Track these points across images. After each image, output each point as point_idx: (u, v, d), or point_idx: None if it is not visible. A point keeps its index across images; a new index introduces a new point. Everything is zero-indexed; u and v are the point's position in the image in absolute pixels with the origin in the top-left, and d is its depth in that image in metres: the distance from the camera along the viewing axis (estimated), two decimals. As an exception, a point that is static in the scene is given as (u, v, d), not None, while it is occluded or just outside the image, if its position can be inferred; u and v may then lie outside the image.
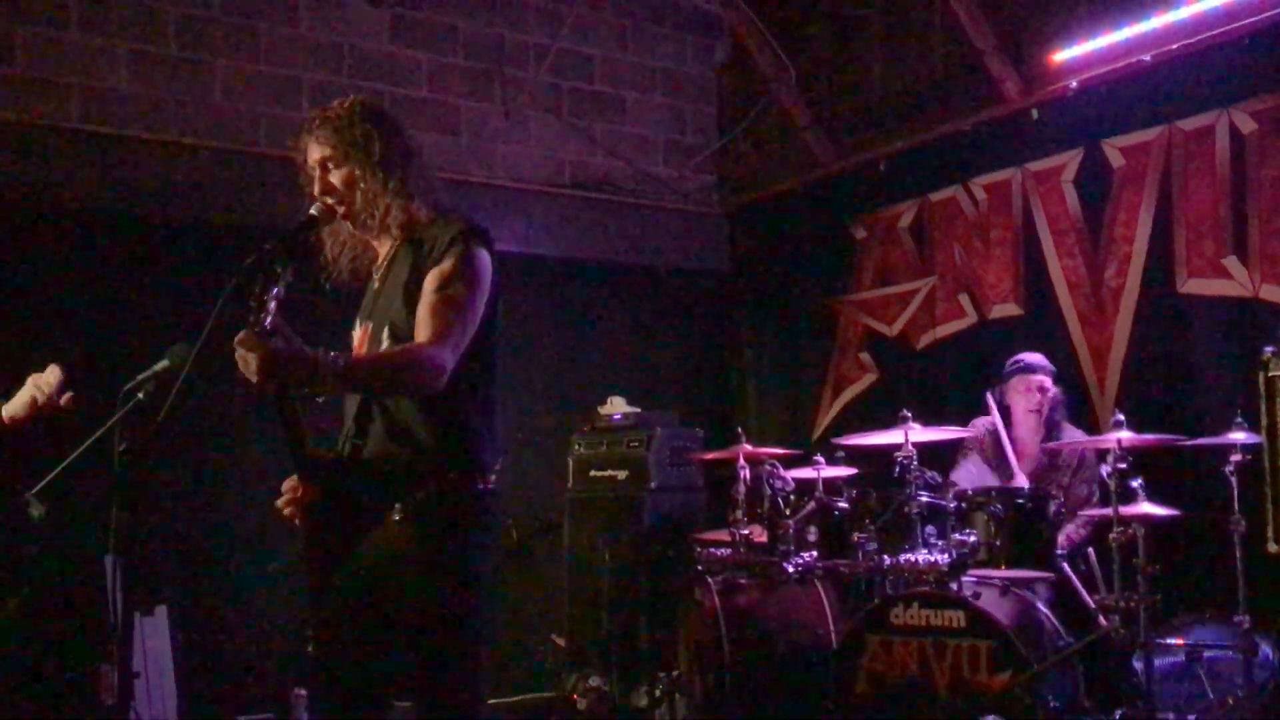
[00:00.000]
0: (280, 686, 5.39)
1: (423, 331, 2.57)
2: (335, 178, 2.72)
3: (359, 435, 2.67)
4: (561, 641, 6.11)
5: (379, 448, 2.64)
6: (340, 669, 2.65)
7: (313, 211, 2.70)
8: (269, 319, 2.39)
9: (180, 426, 5.14)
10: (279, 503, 2.67)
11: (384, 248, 2.81)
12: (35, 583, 5.05)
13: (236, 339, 2.35)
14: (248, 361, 2.35)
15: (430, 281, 2.62)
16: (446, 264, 2.62)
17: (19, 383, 3.16)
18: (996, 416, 4.85)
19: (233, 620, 5.56)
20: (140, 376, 3.12)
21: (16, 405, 3.12)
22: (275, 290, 2.41)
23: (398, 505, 2.60)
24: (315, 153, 2.74)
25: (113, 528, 2.68)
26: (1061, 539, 4.47)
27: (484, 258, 2.68)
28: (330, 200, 2.72)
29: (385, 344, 2.67)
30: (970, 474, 4.91)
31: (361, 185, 2.70)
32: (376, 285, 2.81)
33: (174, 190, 5.69)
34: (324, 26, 6.18)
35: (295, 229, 2.65)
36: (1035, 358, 4.97)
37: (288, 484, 2.67)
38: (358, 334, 2.84)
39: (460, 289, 2.61)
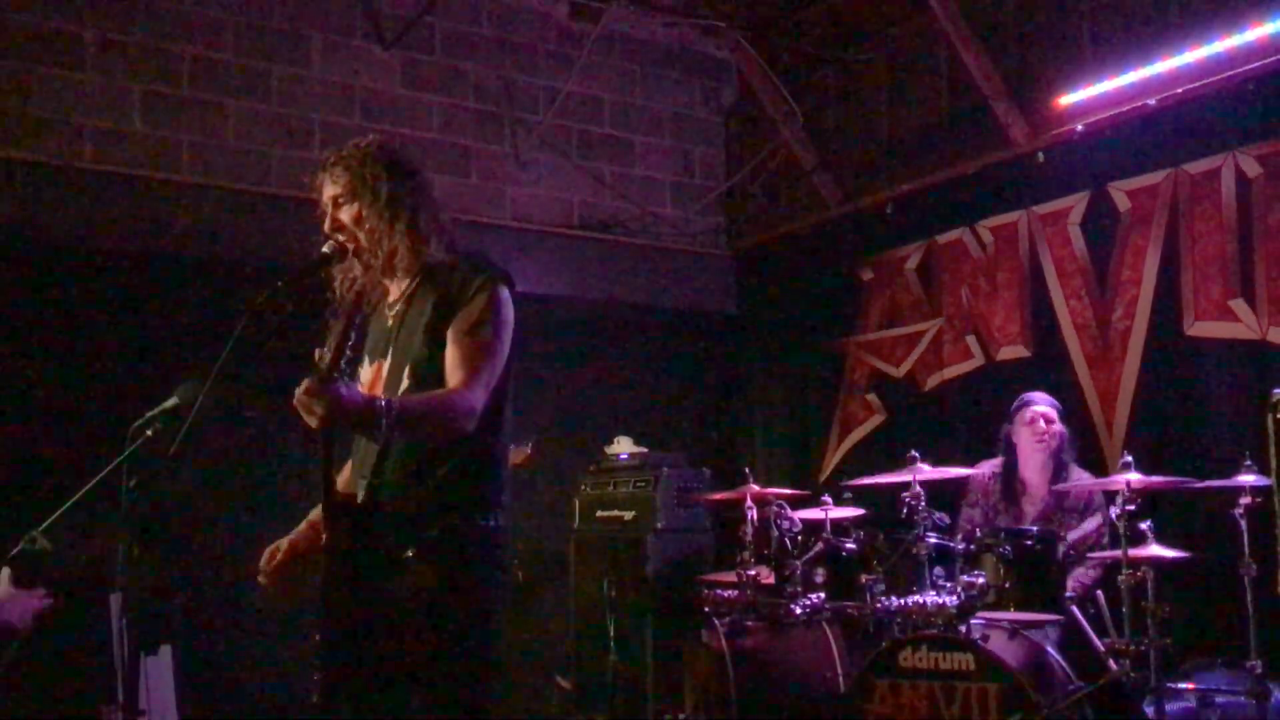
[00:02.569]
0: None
1: (455, 376, 2.62)
2: (344, 215, 2.77)
3: (374, 474, 2.66)
4: (566, 683, 6.07)
5: (395, 486, 2.64)
6: (349, 712, 2.64)
7: (325, 249, 2.73)
8: (341, 366, 2.39)
9: (188, 463, 5.16)
10: (262, 578, 2.73)
11: (397, 287, 2.84)
12: (39, 619, 5.03)
13: (304, 388, 2.35)
14: (311, 408, 2.35)
15: (460, 325, 2.66)
16: (475, 308, 2.67)
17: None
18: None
19: (238, 661, 5.53)
20: (149, 414, 3.14)
21: None
22: (352, 341, 2.42)
23: (411, 544, 2.60)
24: (328, 190, 2.79)
25: (120, 564, 2.69)
26: (1072, 583, 4.44)
27: (509, 301, 2.74)
28: (340, 237, 2.75)
29: (405, 383, 2.69)
30: (970, 521, 4.89)
31: (367, 224, 2.74)
32: (390, 324, 2.82)
33: (186, 230, 5.73)
34: (335, 69, 6.25)
35: (308, 266, 2.69)
36: (1038, 393, 4.98)
37: (268, 555, 2.74)
38: (368, 372, 2.84)
39: (489, 333, 2.66)
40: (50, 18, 5.52)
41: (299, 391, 2.36)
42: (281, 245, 5.64)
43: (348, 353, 2.41)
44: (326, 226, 2.77)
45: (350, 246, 2.75)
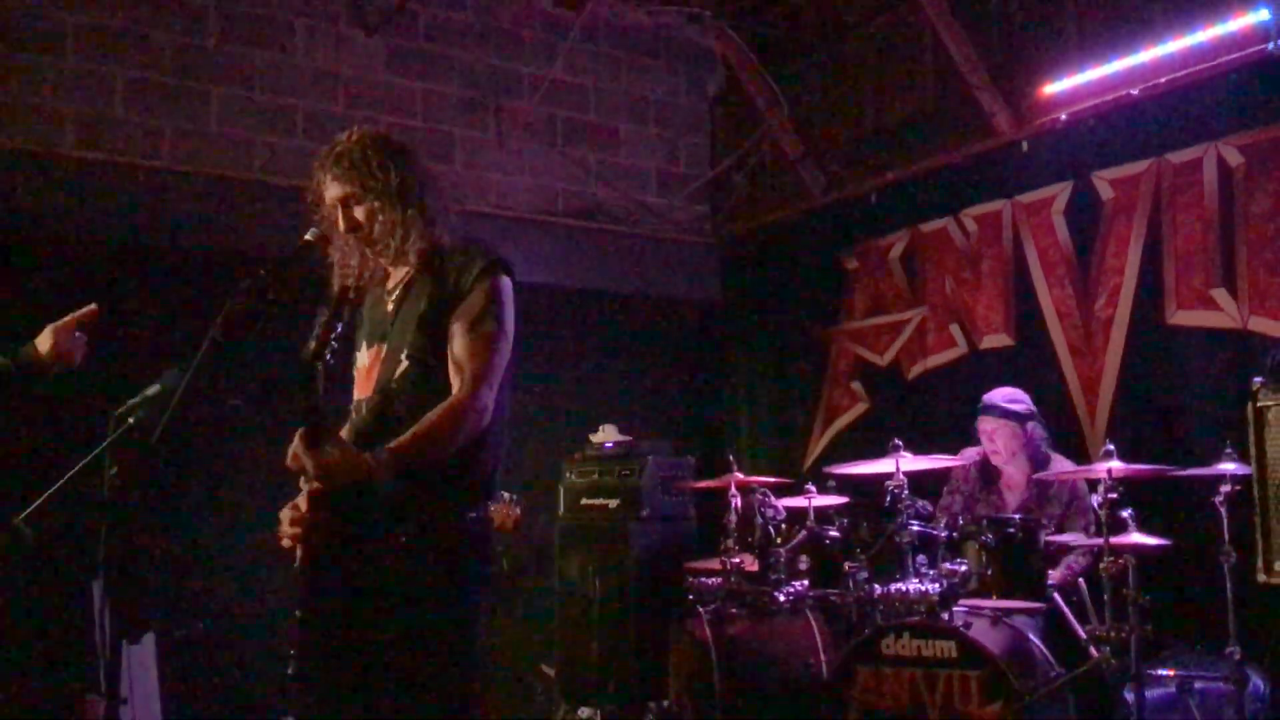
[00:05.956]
0: (268, 715, 5.35)
1: (461, 375, 2.60)
2: (358, 213, 2.73)
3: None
4: (551, 671, 6.08)
5: None
6: (327, 695, 2.63)
7: (307, 237, 2.71)
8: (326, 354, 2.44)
9: (171, 451, 5.14)
10: (284, 537, 2.63)
11: (398, 271, 2.81)
12: (21, 608, 5.02)
13: (297, 449, 2.48)
14: (307, 469, 2.48)
15: (462, 319, 2.64)
16: (476, 300, 2.65)
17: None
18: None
19: (220, 648, 5.52)
20: (132, 401, 3.13)
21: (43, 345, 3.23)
22: (338, 330, 2.47)
23: (400, 531, 2.59)
24: (335, 190, 2.74)
25: (101, 552, 2.68)
26: (1063, 571, 4.45)
27: (510, 289, 2.73)
28: (356, 235, 2.73)
29: (404, 365, 2.67)
30: (948, 509, 4.88)
31: (381, 217, 2.72)
32: (390, 309, 2.80)
33: (169, 217, 5.70)
34: (319, 55, 6.22)
35: (290, 255, 2.68)
36: (997, 399, 4.84)
37: (285, 513, 2.65)
38: (366, 355, 2.82)
39: (492, 326, 2.65)
40: (32, 3, 5.48)
41: (290, 452, 2.48)
42: (265, 233, 5.63)
43: (333, 343, 2.42)
44: (341, 227, 2.73)
45: (364, 240, 2.73)
